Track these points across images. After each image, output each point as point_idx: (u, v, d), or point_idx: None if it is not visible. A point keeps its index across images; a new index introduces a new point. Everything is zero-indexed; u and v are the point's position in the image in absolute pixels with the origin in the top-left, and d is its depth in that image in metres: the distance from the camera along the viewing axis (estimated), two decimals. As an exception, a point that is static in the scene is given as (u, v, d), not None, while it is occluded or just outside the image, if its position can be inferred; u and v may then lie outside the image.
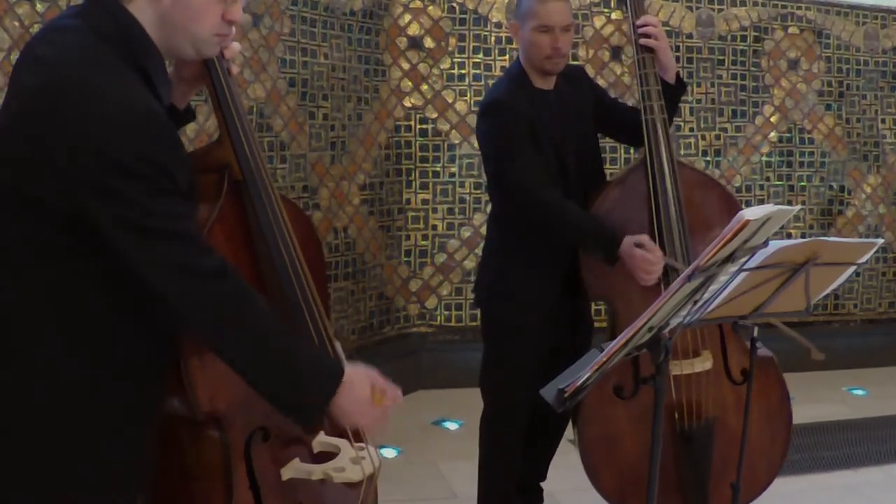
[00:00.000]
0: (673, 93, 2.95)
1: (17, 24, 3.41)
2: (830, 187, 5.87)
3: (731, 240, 1.84)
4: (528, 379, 2.74)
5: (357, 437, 1.97)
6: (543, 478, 3.26)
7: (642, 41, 2.88)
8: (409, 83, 5.12)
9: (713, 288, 2.03)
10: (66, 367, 1.57)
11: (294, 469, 1.93)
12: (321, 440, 1.96)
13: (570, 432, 3.19)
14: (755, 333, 2.50)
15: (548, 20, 2.78)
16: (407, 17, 5.09)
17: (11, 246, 1.55)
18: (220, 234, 1.84)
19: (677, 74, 2.96)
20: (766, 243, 2.00)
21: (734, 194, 3.14)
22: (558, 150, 2.86)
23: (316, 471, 1.92)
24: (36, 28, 3.43)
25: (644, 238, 2.73)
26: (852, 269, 2.35)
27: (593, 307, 3.22)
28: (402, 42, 5.09)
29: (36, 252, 1.54)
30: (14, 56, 3.39)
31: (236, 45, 1.89)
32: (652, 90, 2.87)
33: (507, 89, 2.88)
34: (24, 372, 1.56)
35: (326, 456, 1.95)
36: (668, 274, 2.77)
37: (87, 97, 1.49)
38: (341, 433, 1.96)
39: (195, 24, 1.63)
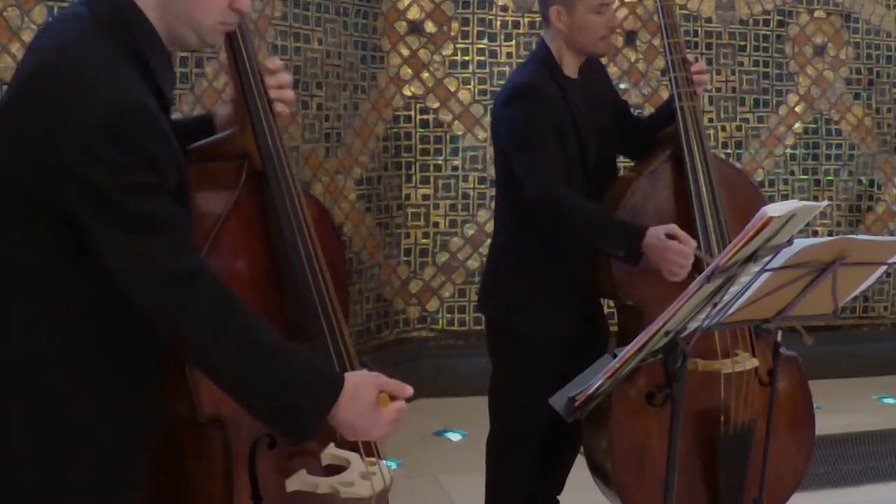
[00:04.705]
0: None
1: (-10, 7, 3.43)
2: (859, 182, 5.87)
3: (752, 238, 1.84)
4: (542, 397, 2.66)
5: (368, 451, 1.97)
6: (559, 491, 3.24)
7: (697, 89, 2.97)
8: (409, 70, 5.12)
9: (734, 289, 2.03)
10: (65, 367, 1.60)
11: (300, 481, 1.93)
12: (331, 452, 1.95)
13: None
14: (779, 338, 2.50)
15: None
16: (406, 0, 5.09)
17: (10, 242, 1.57)
18: (237, 224, 1.88)
19: None
20: (790, 242, 1.99)
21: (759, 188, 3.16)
22: (582, 142, 2.86)
23: (322, 484, 1.92)
24: (9, 10, 3.44)
25: (675, 228, 2.64)
26: (883, 269, 2.34)
27: (605, 309, 3.20)
28: (402, 26, 5.09)
29: (33, 248, 1.57)
30: (-12, 41, 3.42)
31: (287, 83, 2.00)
32: (681, 77, 2.93)
33: (537, 74, 2.85)
34: (22, 373, 1.59)
35: (335, 469, 1.95)
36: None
37: (67, 86, 1.51)
38: (353, 446, 1.96)
39: (200, 12, 1.66)
